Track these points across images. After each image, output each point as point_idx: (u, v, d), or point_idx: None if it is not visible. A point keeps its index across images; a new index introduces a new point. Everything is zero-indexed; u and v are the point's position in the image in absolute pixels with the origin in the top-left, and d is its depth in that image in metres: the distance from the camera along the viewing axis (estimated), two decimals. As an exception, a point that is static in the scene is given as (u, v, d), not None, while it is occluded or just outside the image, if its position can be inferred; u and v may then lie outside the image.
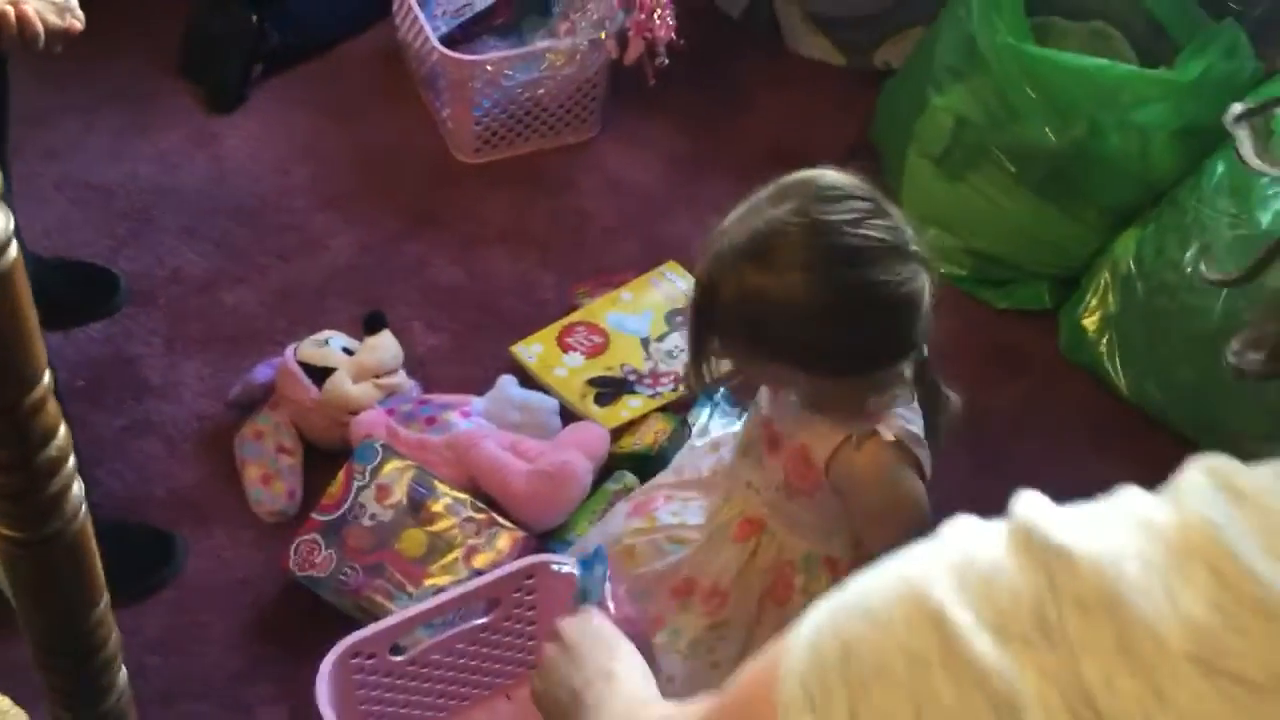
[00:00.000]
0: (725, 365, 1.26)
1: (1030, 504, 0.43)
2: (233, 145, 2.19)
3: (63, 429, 0.64)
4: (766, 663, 0.50)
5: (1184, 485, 0.40)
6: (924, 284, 1.15)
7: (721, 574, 1.33)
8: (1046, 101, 1.80)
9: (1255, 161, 0.54)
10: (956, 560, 0.42)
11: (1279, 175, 0.48)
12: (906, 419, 1.21)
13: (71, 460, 0.66)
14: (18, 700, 1.04)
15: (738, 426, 1.46)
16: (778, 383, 1.26)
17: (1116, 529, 0.40)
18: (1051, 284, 1.97)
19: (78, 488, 0.67)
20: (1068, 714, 0.37)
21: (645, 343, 1.90)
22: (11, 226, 0.56)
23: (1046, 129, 1.81)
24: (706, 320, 1.19)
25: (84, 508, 0.68)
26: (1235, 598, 0.36)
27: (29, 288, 0.58)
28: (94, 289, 1.92)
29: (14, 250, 0.56)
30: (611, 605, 1.10)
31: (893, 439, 1.18)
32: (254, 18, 2.19)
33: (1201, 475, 0.40)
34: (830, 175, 1.17)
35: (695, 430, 1.72)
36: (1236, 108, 0.54)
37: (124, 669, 0.81)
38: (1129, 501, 0.41)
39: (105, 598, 0.74)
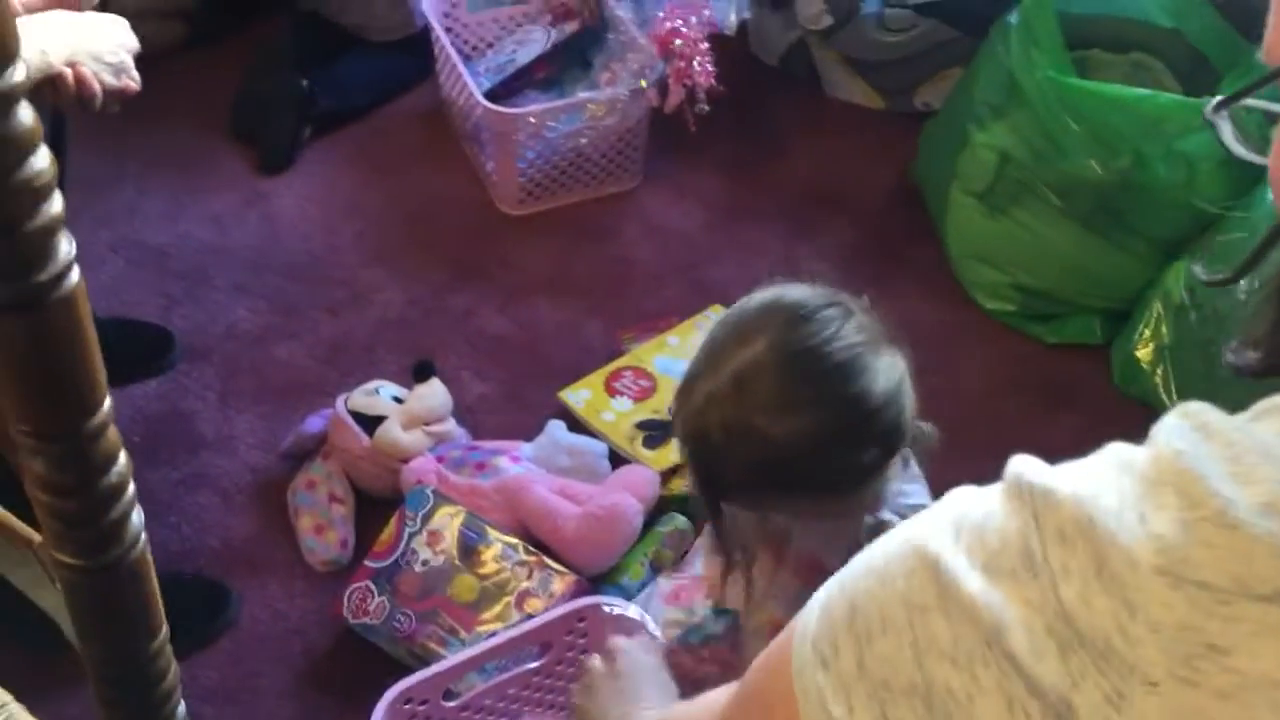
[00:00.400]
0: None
1: (1021, 460, 0.45)
2: (282, 205, 2.23)
3: (123, 455, 0.65)
4: (782, 638, 0.52)
5: (1159, 427, 0.43)
6: (905, 363, 1.09)
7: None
8: (1090, 134, 1.79)
9: (1238, 148, 0.57)
10: (954, 516, 0.45)
11: (1262, 161, 0.52)
12: (905, 493, 1.16)
13: (131, 487, 0.67)
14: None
15: None
16: (796, 513, 1.17)
17: (1097, 471, 0.43)
18: (1102, 317, 1.95)
19: (137, 515, 0.68)
20: (1048, 635, 0.40)
21: (692, 386, 1.90)
22: (74, 252, 0.57)
23: (1091, 161, 1.80)
24: (711, 477, 1.10)
25: (143, 536, 0.69)
26: (1200, 515, 0.38)
27: (90, 314, 0.60)
28: (149, 347, 1.95)
29: (76, 274, 0.58)
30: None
31: (899, 519, 1.14)
32: (304, 82, 2.25)
33: (1175, 417, 0.42)
34: (789, 294, 1.08)
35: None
36: (1213, 100, 0.57)
37: (183, 703, 0.81)
38: (1111, 450, 0.44)
39: (165, 629, 0.74)
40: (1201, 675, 0.37)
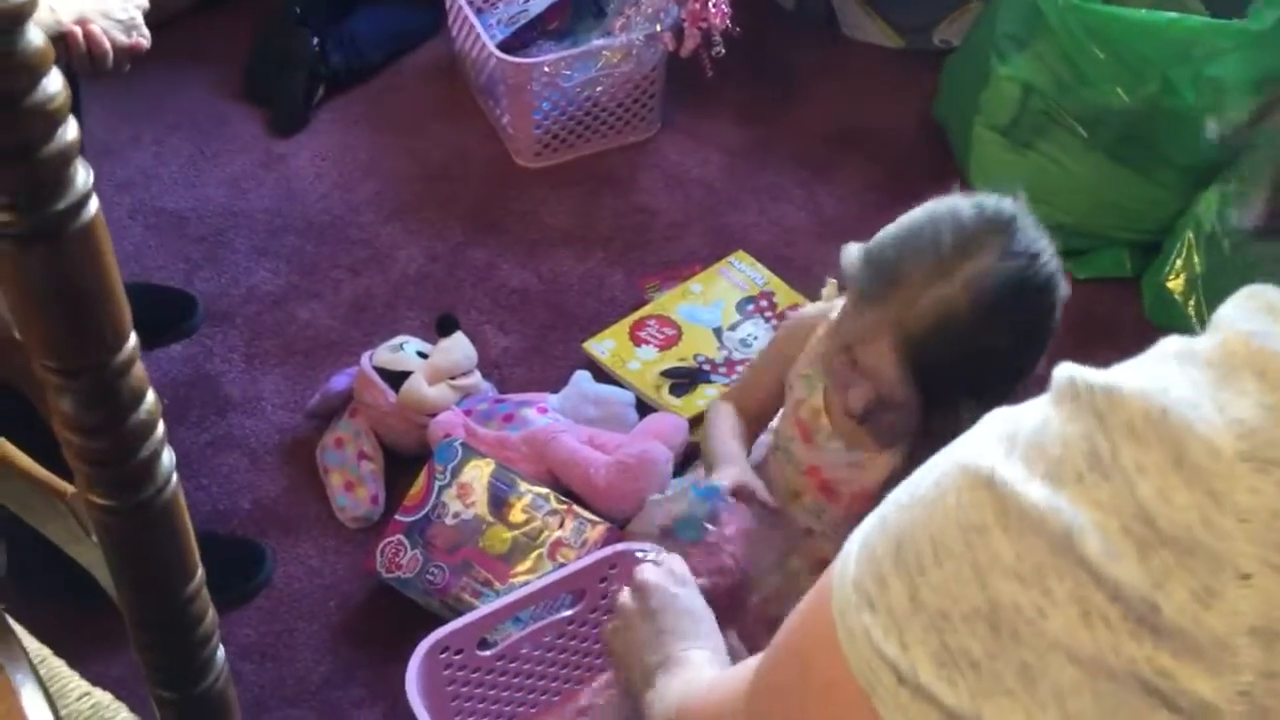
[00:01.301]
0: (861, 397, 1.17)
1: (1069, 365, 0.42)
2: (299, 166, 2.22)
3: (151, 393, 0.64)
4: (819, 588, 0.49)
5: (1221, 313, 0.40)
6: None
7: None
8: (1116, 61, 1.75)
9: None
10: (1003, 431, 0.42)
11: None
12: None
13: (161, 426, 0.66)
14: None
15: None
16: (954, 428, 1.17)
17: (1158, 365, 0.40)
18: (1132, 249, 1.92)
19: (168, 455, 0.67)
20: (1125, 536, 0.37)
21: (718, 332, 1.88)
22: (91, 181, 0.56)
23: (1118, 89, 1.77)
24: (934, 386, 1.12)
25: (175, 476, 0.68)
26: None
27: (111, 245, 0.58)
28: (172, 311, 1.95)
29: (94, 204, 0.56)
30: (708, 543, 1.09)
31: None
32: (314, 40, 2.23)
33: (1239, 300, 0.40)
34: (996, 202, 1.12)
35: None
36: None
37: (222, 648, 0.81)
38: (1167, 343, 0.41)
39: (200, 571, 0.73)
40: None
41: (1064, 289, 1.13)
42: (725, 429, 1.36)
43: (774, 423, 1.38)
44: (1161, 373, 0.39)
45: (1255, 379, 0.37)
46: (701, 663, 0.86)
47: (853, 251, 1.17)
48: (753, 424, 1.38)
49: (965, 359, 1.10)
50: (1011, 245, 1.08)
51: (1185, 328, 1.80)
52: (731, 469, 1.25)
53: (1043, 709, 0.39)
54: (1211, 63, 1.73)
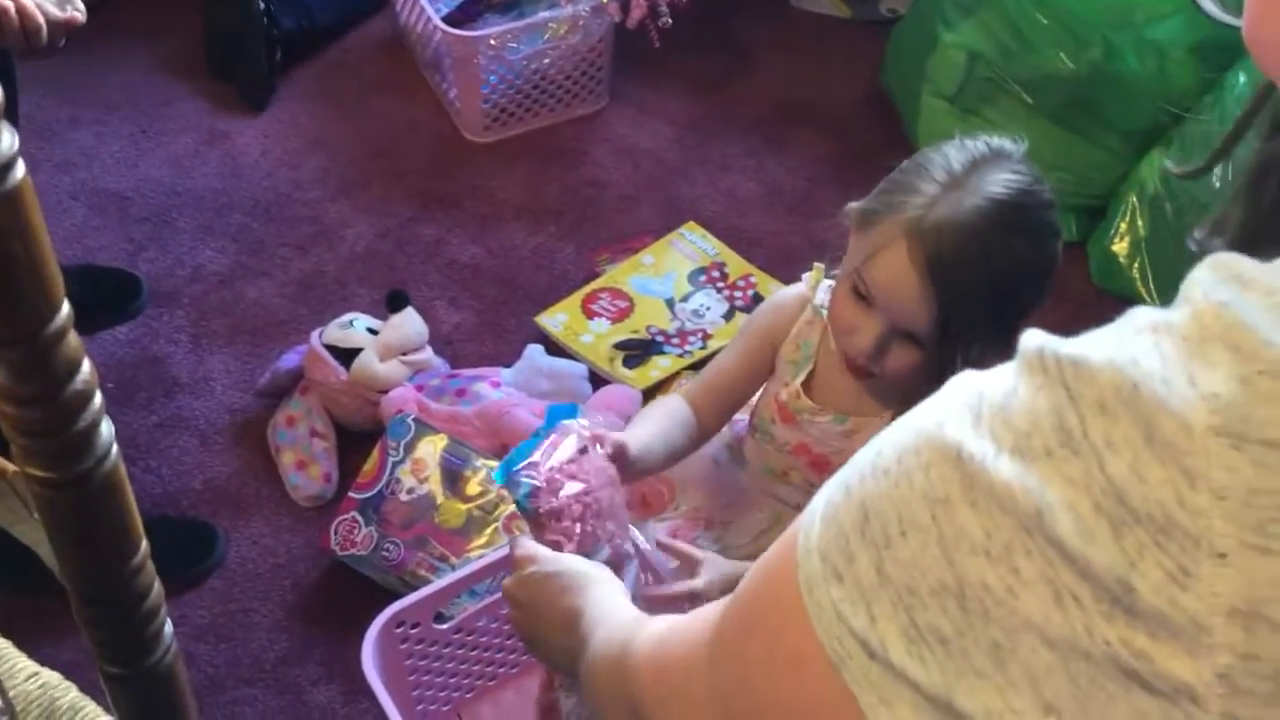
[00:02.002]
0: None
1: (1036, 333, 0.41)
2: (243, 143, 2.19)
3: (87, 363, 0.63)
4: (781, 548, 0.47)
5: (1190, 284, 0.39)
6: None
7: None
8: (1059, 26, 1.77)
9: (1214, 11, 0.54)
10: (968, 400, 0.41)
11: (1237, 24, 0.47)
12: None
13: (99, 398, 0.65)
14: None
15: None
16: (966, 360, 1.14)
17: (1129, 337, 0.39)
18: (1077, 214, 1.94)
19: (107, 426, 0.66)
20: (1098, 514, 0.36)
21: (670, 304, 1.89)
22: (16, 146, 0.55)
23: (1061, 55, 1.78)
24: (953, 299, 1.09)
25: (115, 447, 0.67)
26: (1258, 369, 0.35)
27: (40, 212, 0.57)
28: (117, 293, 1.92)
29: (20, 170, 0.55)
30: (543, 477, 1.05)
31: None
32: (262, 6, 2.19)
33: (1206, 270, 0.39)
34: (1008, 142, 1.14)
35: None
36: None
37: (170, 623, 0.80)
38: (1138, 314, 0.40)
39: (144, 544, 0.72)
40: (1276, 541, 0.34)
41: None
42: (651, 413, 1.30)
43: (752, 401, 1.36)
44: (1132, 345, 0.38)
45: (1228, 351, 0.36)
46: (609, 600, 0.83)
47: (854, 204, 1.17)
48: (717, 412, 1.33)
49: (986, 270, 1.08)
50: (1018, 165, 1.11)
51: (1130, 290, 1.83)
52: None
53: (1015, 690, 0.38)
54: (1153, 26, 1.75)
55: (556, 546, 1.04)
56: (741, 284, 1.92)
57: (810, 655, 0.43)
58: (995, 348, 1.09)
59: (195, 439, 1.77)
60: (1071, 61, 1.78)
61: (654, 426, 1.24)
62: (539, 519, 1.08)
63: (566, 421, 1.13)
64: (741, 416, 1.38)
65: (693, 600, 1.15)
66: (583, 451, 1.10)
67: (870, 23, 2.40)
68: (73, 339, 0.62)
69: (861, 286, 1.13)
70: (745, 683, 0.50)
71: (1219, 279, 0.37)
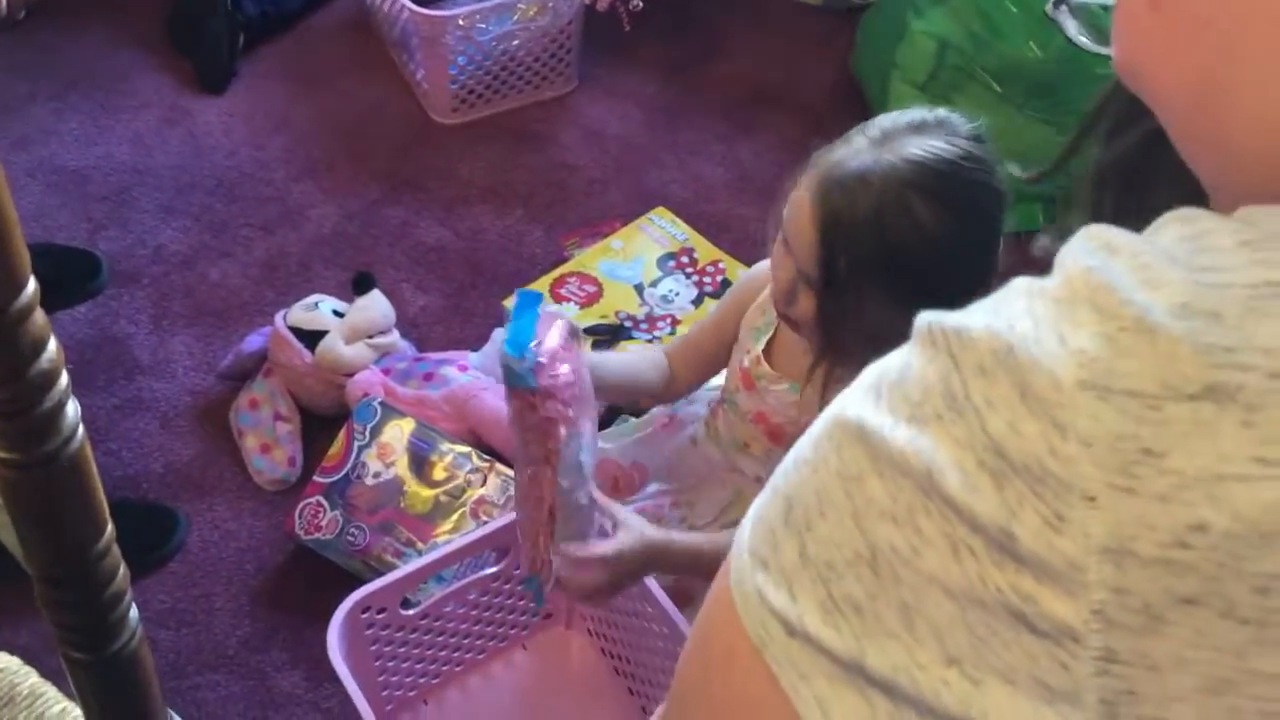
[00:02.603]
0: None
1: (928, 312, 0.43)
2: (206, 122, 2.15)
3: (53, 342, 0.62)
4: (721, 568, 0.48)
5: (1065, 251, 0.41)
6: None
7: None
8: (1029, 15, 1.78)
9: (1082, 40, 0.58)
10: (870, 381, 0.43)
11: (1106, 52, 0.49)
12: None
13: (65, 377, 0.63)
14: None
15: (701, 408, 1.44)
16: (858, 324, 1.14)
17: (1007, 303, 0.41)
18: (1045, 203, 1.95)
19: (73, 406, 0.65)
20: (980, 469, 0.38)
21: (639, 289, 1.88)
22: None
23: (1030, 43, 1.79)
24: (834, 256, 1.11)
25: (80, 428, 0.66)
26: (1119, 325, 0.37)
27: (6, 188, 0.56)
28: (76, 272, 1.89)
29: (-12, 141, 0.53)
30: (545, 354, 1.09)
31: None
32: None
33: (1079, 240, 0.41)
34: (956, 115, 1.13)
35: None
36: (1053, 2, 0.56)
37: (135, 608, 0.78)
38: (1017, 282, 0.42)
39: (110, 527, 0.71)
40: (1139, 481, 0.36)
41: (1003, 236, 1.12)
42: (626, 358, 1.35)
43: (720, 379, 1.38)
44: (1009, 310, 0.40)
45: (1091, 310, 0.38)
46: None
47: None
48: (687, 364, 1.37)
49: (876, 227, 1.07)
50: (958, 138, 1.09)
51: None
52: None
53: (921, 645, 0.40)
54: (1121, 17, 1.76)
55: (549, 424, 1.10)
56: (710, 269, 1.92)
57: (739, 648, 0.44)
58: (890, 318, 1.11)
59: (156, 421, 1.74)
60: (1040, 50, 1.79)
61: (621, 354, 1.28)
62: (534, 395, 1.11)
63: (552, 308, 1.17)
64: (711, 393, 1.39)
65: (606, 565, 1.17)
66: (566, 341, 1.15)
67: (841, 9, 2.40)
68: (39, 316, 0.61)
69: (782, 232, 1.16)
70: (689, 687, 0.51)
71: (1090, 247, 0.40)
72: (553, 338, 1.13)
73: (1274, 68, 0.40)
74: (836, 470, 0.42)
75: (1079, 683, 0.38)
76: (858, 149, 1.10)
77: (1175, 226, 0.40)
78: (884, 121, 1.12)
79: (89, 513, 0.68)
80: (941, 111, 1.13)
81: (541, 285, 1.87)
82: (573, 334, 1.16)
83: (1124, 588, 0.36)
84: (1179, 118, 0.45)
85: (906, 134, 1.09)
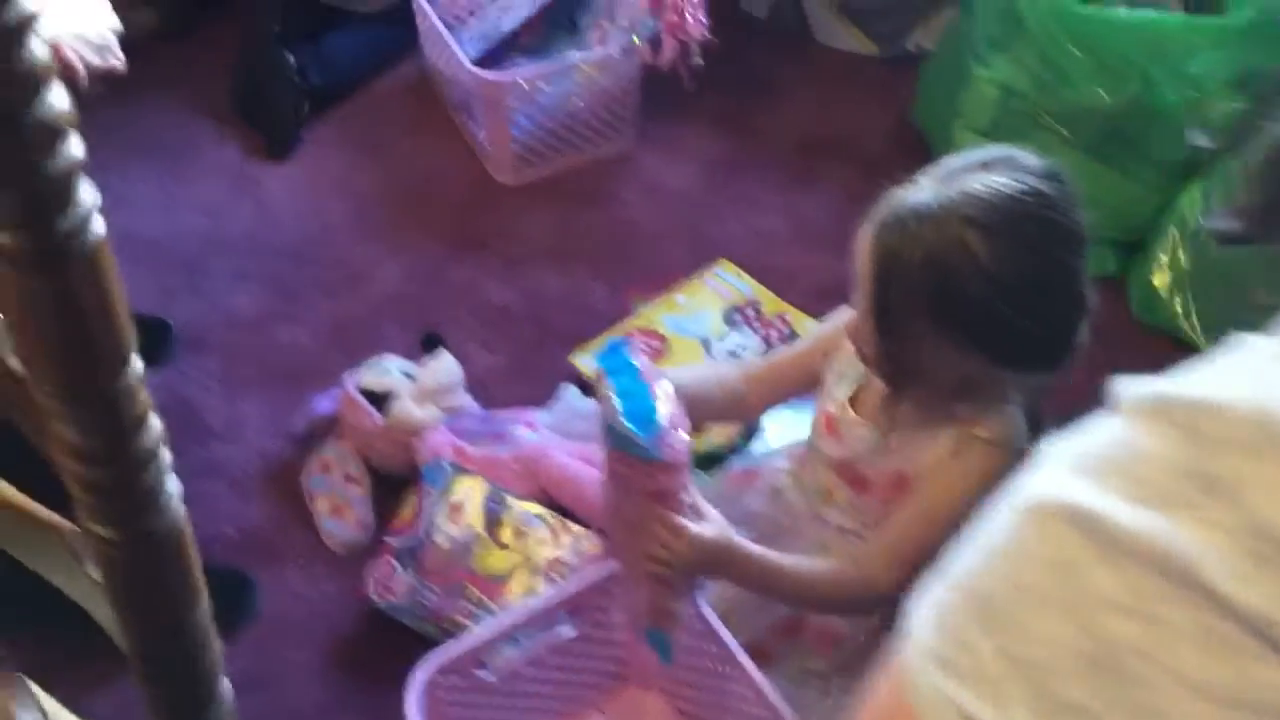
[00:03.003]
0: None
1: (1134, 379, 0.39)
2: (274, 188, 2.19)
3: (155, 418, 0.62)
4: (894, 665, 0.44)
5: None
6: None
7: (837, 621, 1.30)
8: (1096, 61, 1.76)
9: None
10: (1072, 461, 0.39)
11: None
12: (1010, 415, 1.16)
13: (166, 452, 0.64)
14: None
15: (779, 444, 1.44)
16: (921, 364, 1.14)
17: (1249, 368, 0.36)
18: (1115, 248, 1.92)
19: (174, 482, 0.65)
20: (1246, 556, 0.34)
21: (706, 343, 1.87)
22: (98, 201, 0.54)
23: (1098, 89, 1.77)
24: (892, 283, 1.09)
25: (181, 504, 0.66)
26: None
27: (115, 266, 0.56)
28: (148, 339, 1.91)
29: (100, 225, 0.54)
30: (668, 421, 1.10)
31: (990, 437, 1.14)
32: (292, 59, 2.20)
33: None
34: (1027, 154, 1.11)
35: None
36: None
37: (226, 681, 0.78)
38: (1250, 346, 0.37)
39: (205, 600, 0.71)
40: None
41: (1087, 273, 1.09)
42: (699, 366, 1.34)
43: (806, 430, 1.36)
44: (1256, 376, 0.36)
45: None
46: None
47: None
48: (759, 390, 1.36)
49: (927, 255, 1.05)
50: (1024, 174, 1.06)
51: (1172, 325, 1.81)
52: None
53: None
54: (1191, 60, 1.74)
55: (667, 496, 1.12)
56: (776, 322, 1.91)
57: None
58: (950, 356, 1.10)
59: (228, 486, 1.75)
60: (1109, 96, 1.77)
61: (693, 370, 1.31)
62: (653, 464, 1.12)
63: (643, 360, 1.18)
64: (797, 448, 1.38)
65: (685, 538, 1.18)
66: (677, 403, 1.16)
67: (897, 59, 2.40)
68: (142, 393, 0.61)
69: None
70: None
71: None
72: (666, 404, 1.13)
73: None
74: (1043, 559, 0.38)
75: None
76: (921, 186, 1.09)
77: None
78: (954, 160, 1.12)
79: (186, 587, 0.68)
80: (1014, 149, 1.12)
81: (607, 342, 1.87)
82: (676, 391, 1.16)
83: None
84: None
85: (972, 170, 1.08)
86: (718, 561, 1.20)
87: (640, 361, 1.18)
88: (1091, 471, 0.38)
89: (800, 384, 1.35)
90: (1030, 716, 0.37)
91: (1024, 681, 0.38)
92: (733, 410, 1.39)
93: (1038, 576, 0.38)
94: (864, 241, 1.12)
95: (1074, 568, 0.37)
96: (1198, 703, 0.35)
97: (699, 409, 1.28)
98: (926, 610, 0.42)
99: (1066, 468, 0.39)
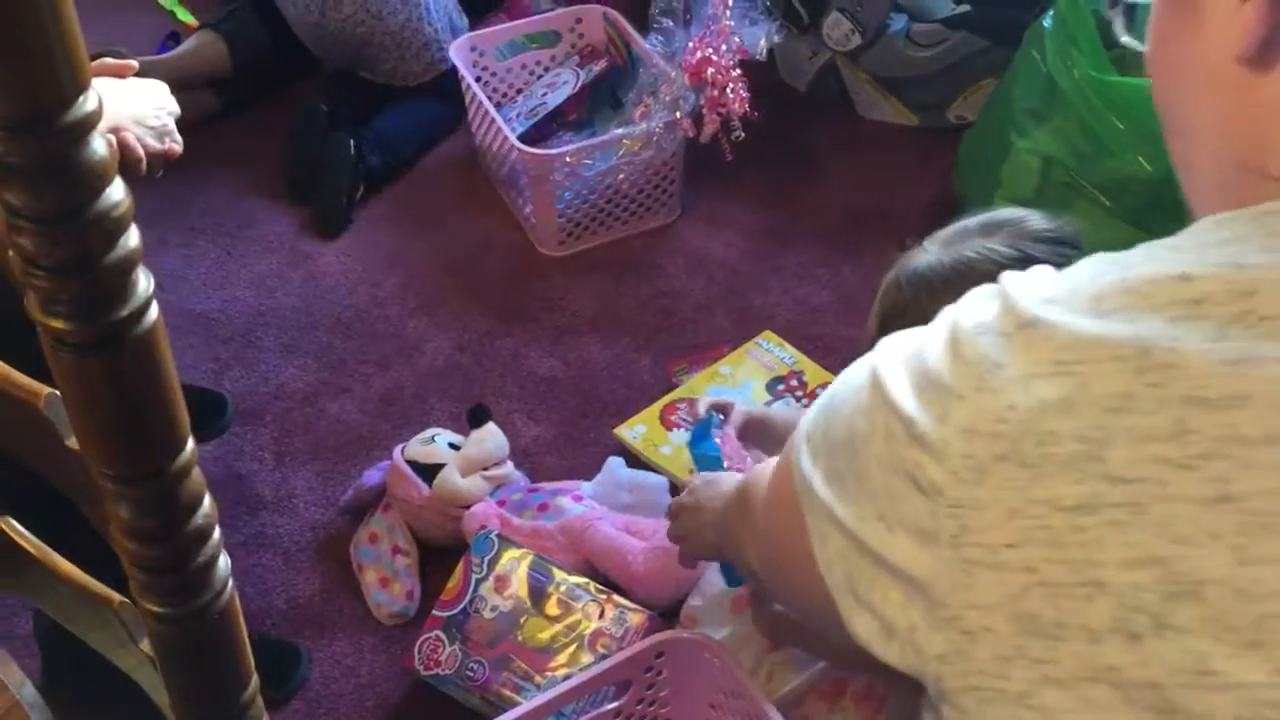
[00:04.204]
0: None
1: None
2: (325, 263, 2.24)
3: (208, 498, 0.64)
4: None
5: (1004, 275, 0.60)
6: None
7: (874, 675, 1.30)
8: (1136, 130, 1.76)
9: (1127, 39, 0.72)
10: (902, 342, 0.60)
11: (1143, 48, 0.62)
12: None
13: (218, 531, 0.65)
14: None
15: None
16: None
17: (969, 298, 0.60)
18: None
19: (224, 560, 0.66)
20: (913, 386, 0.57)
21: (749, 414, 1.87)
22: (151, 287, 0.56)
23: (1140, 158, 1.77)
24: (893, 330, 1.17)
25: (231, 581, 0.67)
26: (1003, 304, 0.56)
27: (169, 350, 0.58)
28: (203, 411, 1.95)
29: (154, 311, 0.56)
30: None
31: None
32: (351, 143, 2.26)
33: (1010, 274, 0.59)
34: (1040, 217, 1.15)
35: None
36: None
37: (273, 756, 0.79)
38: (985, 287, 0.59)
39: (255, 678, 0.72)
40: (987, 383, 0.52)
41: None
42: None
43: None
44: (967, 301, 0.58)
45: (995, 298, 0.56)
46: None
47: None
48: None
49: (917, 313, 1.09)
50: (1023, 238, 1.10)
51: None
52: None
53: (865, 502, 0.57)
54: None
55: None
56: (819, 392, 1.91)
57: (786, 488, 0.65)
58: None
59: (279, 557, 1.77)
60: (1150, 164, 1.77)
61: (784, 410, 1.50)
62: None
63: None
64: None
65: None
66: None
67: (938, 130, 2.42)
68: (196, 474, 0.62)
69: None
70: (763, 507, 0.79)
71: (1014, 269, 0.59)
72: (730, 445, 1.31)
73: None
74: (852, 384, 0.60)
75: (939, 525, 0.53)
76: (926, 249, 1.14)
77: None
78: (963, 221, 1.16)
79: (236, 664, 0.69)
80: (1022, 212, 1.14)
81: (652, 413, 1.88)
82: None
83: (968, 454, 0.52)
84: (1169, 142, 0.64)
85: (973, 235, 1.12)
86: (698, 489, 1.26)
87: (727, 445, 1.24)
88: (899, 340, 0.60)
89: None
90: (824, 473, 0.61)
91: (827, 452, 0.61)
92: None
93: (847, 392, 0.61)
94: (874, 307, 1.18)
95: (859, 386, 0.60)
96: (877, 471, 0.56)
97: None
98: (816, 404, 0.66)
99: (897, 341, 0.60)
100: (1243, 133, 0.55)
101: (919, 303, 1.11)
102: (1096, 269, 0.55)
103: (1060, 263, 1.08)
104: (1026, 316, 0.53)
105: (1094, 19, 1.84)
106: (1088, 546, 0.49)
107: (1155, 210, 1.82)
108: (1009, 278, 0.57)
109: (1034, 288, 0.55)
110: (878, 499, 0.56)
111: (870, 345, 1.15)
